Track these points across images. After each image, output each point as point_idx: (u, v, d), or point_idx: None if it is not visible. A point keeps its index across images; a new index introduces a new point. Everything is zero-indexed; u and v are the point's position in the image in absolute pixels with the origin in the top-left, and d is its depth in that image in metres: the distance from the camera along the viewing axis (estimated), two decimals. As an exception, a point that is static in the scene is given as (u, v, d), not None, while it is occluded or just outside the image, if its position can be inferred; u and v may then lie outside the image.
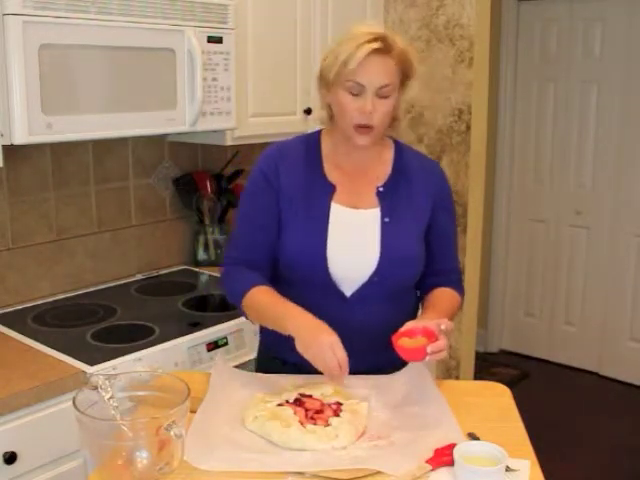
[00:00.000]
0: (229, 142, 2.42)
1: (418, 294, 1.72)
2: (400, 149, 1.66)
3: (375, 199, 1.58)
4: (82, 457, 1.75)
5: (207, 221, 2.71)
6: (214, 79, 2.19)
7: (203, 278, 2.61)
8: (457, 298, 1.67)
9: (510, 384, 1.67)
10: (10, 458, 1.62)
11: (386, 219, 1.56)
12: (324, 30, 2.67)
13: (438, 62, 2.96)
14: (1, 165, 1.78)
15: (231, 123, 2.29)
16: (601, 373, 4.15)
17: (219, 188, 2.72)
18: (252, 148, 2.75)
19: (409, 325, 1.43)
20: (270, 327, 1.53)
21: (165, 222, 2.68)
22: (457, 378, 3.12)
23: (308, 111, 2.64)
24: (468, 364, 3.20)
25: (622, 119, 3.90)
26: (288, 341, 1.43)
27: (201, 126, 2.18)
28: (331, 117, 1.59)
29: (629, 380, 4.03)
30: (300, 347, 1.40)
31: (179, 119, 2.12)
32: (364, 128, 1.49)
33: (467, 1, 2.85)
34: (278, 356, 1.64)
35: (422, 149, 3.03)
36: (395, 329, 1.49)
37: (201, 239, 2.73)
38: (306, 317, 1.44)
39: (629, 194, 3.94)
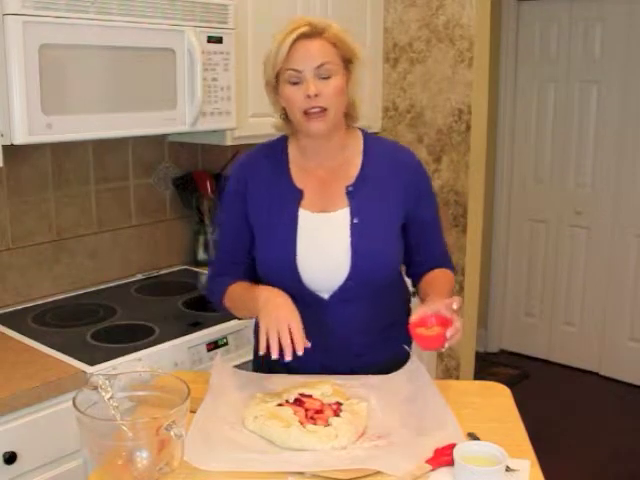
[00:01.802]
0: (229, 142, 2.42)
1: (410, 287, 1.72)
2: (369, 142, 1.62)
3: (345, 199, 1.55)
4: (82, 457, 1.75)
5: (207, 221, 2.71)
6: (214, 79, 2.19)
7: (203, 278, 2.60)
8: (449, 274, 1.66)
9: (510, 384, 1.66)
10: (10, 458, 1.62)
11: (355, 220, 1.53)
12: (324, 30, 2.66)
13: (438, 62, 2.96)
14: (1, 165, 1.78)
15: (231, 123, 2.29)
16: (601, 373, 4.15)
17: (219, 188, 2.72)
18: (252, 148, 2.76)
19: (421, 312, 1.40)
20: (248, 315, 1.58)
21: (165, 222, 2.68)
22: (457, 378, 3.12)
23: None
24: (468, 364, 3.20)
25: (622, 119, 3.90)
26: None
27: (201, 126, 2.18)
28: (286, 119, 1.56)
29: (629, 380, 4.03)
30: (260, 316, 1.43)
31: (179, 119, 2.12)
32: (315, 114, 1.46)
33: (467, 1, 2.85)
34: (272, 360, 1.63)
35: (422, 149, 3.03)
36: (379, 328, 1.50)
37: (201, 239, 2.73)
38: (274, 292, 1.47)
39: (629, 194, 3.94)
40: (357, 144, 1.60)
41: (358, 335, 1.59)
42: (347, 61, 1.51)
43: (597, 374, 4.16)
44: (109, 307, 2.25)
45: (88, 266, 2.44)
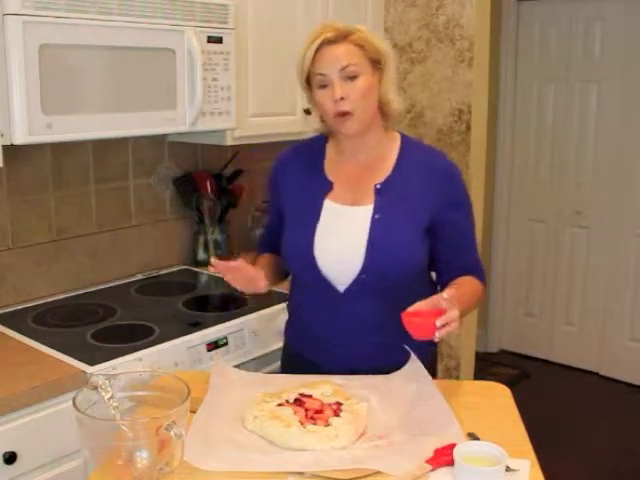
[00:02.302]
0: (229, 142, 2.42)
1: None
2: (406, 144, 1.64)
3: (372, 196, 1.58)
4: (82, 457, 1.74)
5: (207, 221, 2.71)
6: (214, 79, 2.19)
7: (203, 278, 2.61)
8: (475, 282, 1.65)
9: (510, 384, 1.66)
10: (10, 458, 1.62)
11: (377, 215, 1.56)
12: (324, 30, 2.67)
13: (438, 62, 2.96)
14: (1, 165, 1.78)
15: (231, 123, 2.29)
16: (601, 373, 4.15)
17: (219, 188, 2.72)
18: (252, 148, 2.76)
19: (418, 305, 1.40)
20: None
21: (165, 222, 2.68)
22: (457, 378, 3.12)
23: (308, 111, 2.63)
24: (468, 364, 3.20)
25: (622, 119, 3.90)
26: (307, 339, 1.56)
27: (201, 126, 2.18)
28: (322, 120, 1.61)
29: (629, 380, 4.03)
30: None
31: (179, 119, 2.12)
32: (344, 115, 1.50)
33: (467, 1, 2.85)
34: (300, 353, 1.69)
35: (422, 149, 3.03)
36: (397, 328, 1.49)
37: (201, 239, 2.73)
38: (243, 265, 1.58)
39: (629, 194, 3.94)
40: (394, 145, 1.63)
41: (375, 333, 1.60)
42: (375, 61, 1.53)
43: (597, 374, 4.16)
44: (109, 307, 2.25)
45: (88, 266, 2.44)
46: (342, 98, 1.48)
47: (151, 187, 2.61)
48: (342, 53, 1.49)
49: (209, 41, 2.15)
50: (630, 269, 3.98)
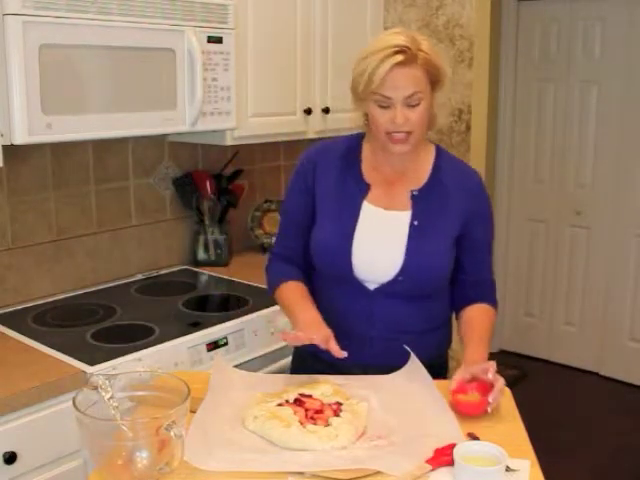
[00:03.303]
0: (229, 142, 2.42)
1: (451, 306, 1.73)
2: (441, 155, 1.67)
3: (409, 202, 1.61)
4: (82, 457, 1.75)
5: (207, 221, 2.71)
6: (214, 79, 2.19)
7: (203, 278, 2.61)
8: (491, 313, 1.68)
9: (510, 384, 1.66)
10: (10, 458, 1.62)
11: (415, 222, 1.59)
12: (324, 30, 2.67)
13: (438, 62, 2.96)
14: (1, 165, 1.78)
15: (231, 123, 2.29)
16: (601, 373, 4.15)
17: (219, 188, 2.72)
18: (252, 148, 2.76)
19: (459, 378, 1.44)
20: (291, 322, 1.63)
21: (165, 222, 2.68)
22: (457, 378, 3.11)
23: (308, 111, 2.64)
24: (468, 364, 3.19)
25: (622, 119, 3.90)
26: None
27: (201, 126, 2.18)
28: (367, 124, 1.61)
29: (629, 380, 4.03)
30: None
31: (179, 119, 2.12)
32: (399, 137, 1.51)
33: (467, 1, 2.85)
34: (312, 350, 1.66)
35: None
36: (419, 330, 1.57)
37: (201, 239, 2.73)
38: (309, 314, 1.55)
39: (629, 194, 3.94)
40: (429, 155, 1.66)
41: (397, 332, 1.62)
42: (435, 83, 1.54)
43: (597, 374, 4.16)
44: (109, 307, 2.25)
45: (88, 266, 2.44)
46: (402, 124, 1.49)
47: (151, 187, 2.61)
48: (410, 80, 1.47)
49: (209, 41, 2.15)
50: (630, 269, 3.98)
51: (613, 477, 3.16)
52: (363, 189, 1.62)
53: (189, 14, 2.09)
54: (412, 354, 1.55)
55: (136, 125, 2.01)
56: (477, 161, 3.00)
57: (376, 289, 1.61)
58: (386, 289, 1.60)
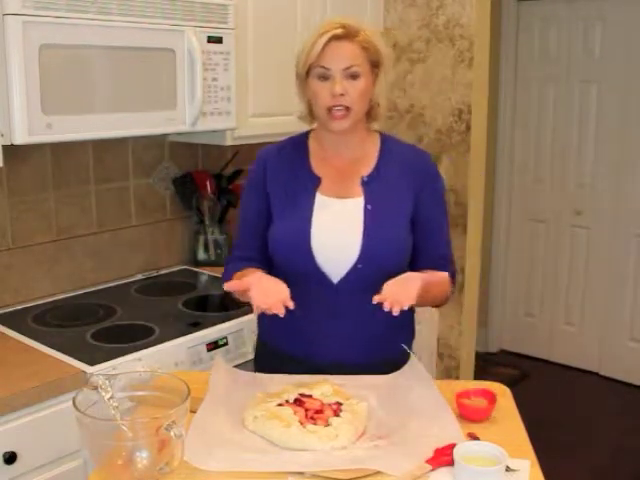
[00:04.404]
0: (229, 142, 2.42)
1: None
2: (387, 141, 1.70)
3: (360, 189, 1.63)
4: (82, 457, 1.75)
5: (207, 221, 2.71)
6: (214, 79, 2.19)
7: (203, 278, 2.61)
8: (443, 274, 1.62)
9: (510, 384, 1.66)
10: (10, 458, 1.62)
11: (369, 206, 1.60)
12: (324, 30, 2.66)
13: (438, 62, 2.96)
14: (1, 165, 1.78)
15: (231, 123, 2.29)
16: (601, 373, 4.16)
17: (219, 188, 2.72)
18: (252, 148, 2.75)
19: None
20: (243, 298, 1.58)
21: (165, 222, 2.68)
22: (457, 378, 3.12)
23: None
24: (468, 364, 3.20)
25: (622, 119, 3.90)
26: (287, 330, 1.57)
27: (201, 126, 2.18)
28: (310, 112, 1.64)
29: (629, 380, 4.03)
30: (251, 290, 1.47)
31: (179, 119, 2.12)
32: (338, 112, 1.54)
33: (467, 1, 2.85)
34: (278, 349, 1.68)
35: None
36: (386, 324, 1.54)
37: (201, 239, 2.73)
38: (262, 275, 1.54)
39: (629, 194, 3.94)
40: (375, 142, 1.69)
41: (365, 326, 1.61)
42: (374, 64, 1.58)
43: (597, 374, 4.16)
44: (109, 307, 2.25)
45: (88, 266, 2.44)
46: (342, 94, 1.52)
47: (151, 187, 2.61)
48: (348, 52, 1.53)
49: (209, 41, 2.15)
50: (630, 269, 3.98)
51: (613, 477, 3.16)
52: (314, 182, 1.64)
53: (189, 14, 2.09)
54: (412, 354, 1.55)
55: (136, 125, 2.01)
56: (477, 161, 3.00)
57: (339, 282, 1.59)
58: (349, 279, 1.59)
